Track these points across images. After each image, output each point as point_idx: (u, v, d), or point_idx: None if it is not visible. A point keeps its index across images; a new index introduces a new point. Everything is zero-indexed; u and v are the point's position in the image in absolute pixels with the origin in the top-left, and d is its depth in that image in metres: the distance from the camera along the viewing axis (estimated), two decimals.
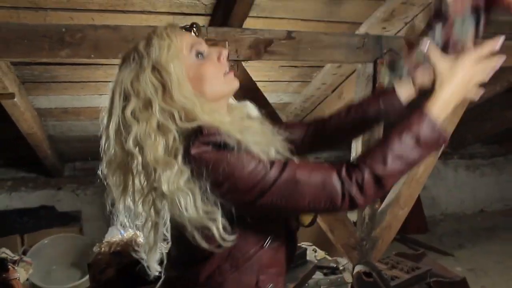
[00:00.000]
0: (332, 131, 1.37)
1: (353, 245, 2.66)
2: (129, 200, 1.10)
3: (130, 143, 1.03)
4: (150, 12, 2.37)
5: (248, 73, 2.30)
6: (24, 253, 3.90)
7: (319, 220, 2.60)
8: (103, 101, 3.37)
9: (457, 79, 1.08)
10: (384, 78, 1.20)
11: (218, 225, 1.00)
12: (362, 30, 2.77)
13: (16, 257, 2.78)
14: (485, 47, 1.15)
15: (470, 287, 3.93)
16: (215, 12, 2.40)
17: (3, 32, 1.92)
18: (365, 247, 2.69)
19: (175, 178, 0.98)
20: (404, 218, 2.81)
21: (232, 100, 1.26)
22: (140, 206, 1.08)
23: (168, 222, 1.09)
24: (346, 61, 2.56)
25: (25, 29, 1.97)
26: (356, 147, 2.61)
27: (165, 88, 1.04)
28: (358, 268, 2.63)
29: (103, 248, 2.15)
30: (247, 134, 1.04)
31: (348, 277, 2.30)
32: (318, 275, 2.32)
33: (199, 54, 1.13)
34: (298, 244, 2.45)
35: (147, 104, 1.04)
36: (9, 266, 2.45)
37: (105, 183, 1.15)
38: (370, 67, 2.50)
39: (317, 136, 1.37)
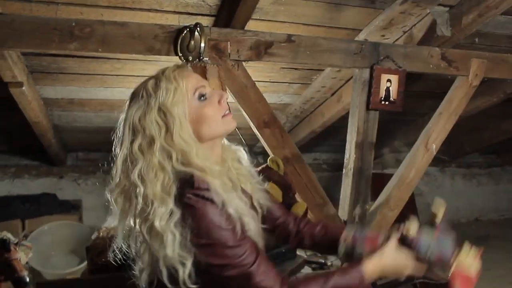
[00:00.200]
0: (303, 238, 1.51)
1: None
2: (129, 221, 1.19)
3: (135, 175, 1.13)
4: (156, 11, 2.45)
5: (247, 73, 2.38)
6: (25, 238, 3.98)
7: (310, 216, 2.69)
8: (108, 94, 3.48)
9: (399, 262, 1.29)
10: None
11: (185, 271, 1.10)
12: (361, 36, 2.85)
13: (17, 240, 2.85)
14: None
15: None
16: (219, 13, 2.48)
17: (16, 24, 2.02)
18: None
19: (167, 216, 1.10)
20: (394, 220, 2.89)
21: (227, 142, 1.39)
22: (138, 229, 1.17)
23: None
24: (344, 66, 2.65)
25: (37, 22, 2.06)
26: (350, 149, 2.70)
27: (168, 128, 1.15)
28: (346, 265, 2.72)
29: (101, 233, 2.25)
30: (231, 195, 1.16)
31: None
32: (306, 269, 2.35)
33: (201, 96, 1.23)
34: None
35: (151, 142, 1.15)
36: (11, 247, 2.52)
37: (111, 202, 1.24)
38: (366, 73, 2.59)
39: (317, 241, 1.50)
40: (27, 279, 2.49)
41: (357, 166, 2.67)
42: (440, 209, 1.42)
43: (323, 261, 2.48)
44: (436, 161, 6.58)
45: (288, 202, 2.28)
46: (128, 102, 1.23)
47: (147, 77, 1.26)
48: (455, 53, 2.78)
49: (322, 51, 2.47)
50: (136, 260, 1.21)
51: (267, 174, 2.30)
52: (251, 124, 2.47)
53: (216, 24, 2.53)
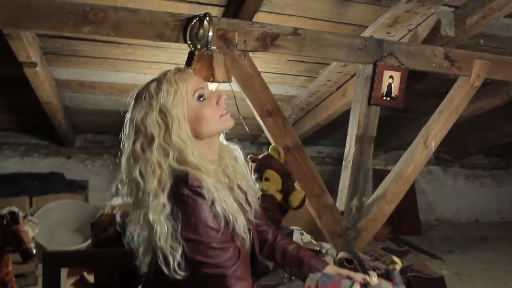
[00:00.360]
0: (275, 250, 1.61)
1: (339, 233, 2.83)
2: (136, 215, 1.28)
3: (137, 172, 1.23)
4: None
5: (253, 63, 2.46)
6: (32, 214, 4.09)
7: (308, 206, 2.77)
8: (118, 78, 3.56)
9: None
10: None
11: (175, 260, 1.20)
12: (367, 33, 2.91)
13: (25, 215, 2.95)
14: None
15: (452, 286, 4.12)
16: (229, 4, 2.55)
17: (33, 7, 2.10)
18: (350, 236, 2.85)
19: (160, 209, 1.20)
20: (390, 213, 2.96)
21: (225, 142, 1.47)
22: (141, 220, 1.26)
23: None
24: (347, 61, 2.71)
25: (53, 5, 2.14)
26: (350, 142, 2.77)
27: (167, 128, 1.25)
28: (341, 254, 2.79)
29: (106, 210, 2.34)
30: (222, 194, 1.25)
31: (330, 261, 2.43)
32: None
33: (200, 97, 1.31)
34: (286, 226, 2.64)
35: (151, 140, 1.25)
36: (20, 219, 2.63)
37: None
38: (369, 68, 2.65)
39: (287, 258, 1.60)
40: (34, 251, 2.60)
41: (356, 159, 2.74)
42: (396, 266, 1.58)
43: (318, 248, 2.55)
44: (440, 161, 6.63)
45: (287, 190, 2.35)
46: (132, 103, 1.32)
47: (150, 80, 1.35)
48: (458, 53, 2.83)
49: (327, 45, 2.53)
50: (138, 247, 1.30)
51: (268, 161, 2.38)
52: (255, 113, 2.55)
53: (225, 14, 2.60)
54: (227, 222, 1.25)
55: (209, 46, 2.23)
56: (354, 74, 3.43)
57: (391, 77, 2.63)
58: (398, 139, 5.45)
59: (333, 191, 2.93)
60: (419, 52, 2.74)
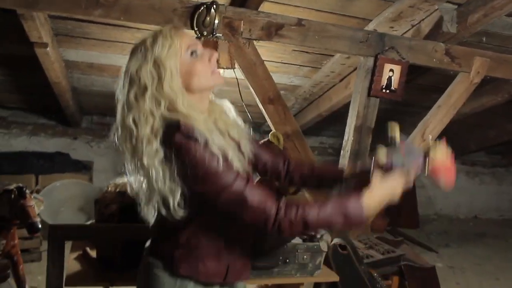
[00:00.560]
0: (293, 178, 1.64)
1: None
2: (133, 163, 1.34)
3: (130, 120, 1.29)
4: None
5: (257, 51, 2.53)
6: (37, 192, 4.19)
7: (306, 194, 2.85)
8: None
9: (387, 186, 1.38)
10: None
11: (175, 200, 1.27)
12: (371, 26, 2.96)
13: (31, 190, 3.05)
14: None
15: (446, 281, 4.20)
16: None
17: None
18: None
19: (153, 154, 1.27)
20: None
21: (214, 97, 1.51)
22: (139, 165, 1.32)
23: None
24: (349, 53, 2.77)
25: None
26: (349, 132, 2.84)
27: (160, 79, 1.30)
28: (336, 240, 2.88)
29: (109, 188, 2.43)
30: (214, 136, 1.31)
31: (324, 247, 2.50)
32: (297, 240, 2.45)
33: (193, 53, 1.37)
34: None
35: (144, 90, 1.30)
36: (27, 195, 2.72)
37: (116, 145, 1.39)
38: (371, 61, 2.72)
39: (305, 179, 1.64)
40: (39, 225, 2.69)
41: (354, 149, 2.82)
42: (395, 130, 1.48)
43: (313, 233, 2.63)
44: None
45: None
46: (128, 56, 1.38)
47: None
48: (459, 50, 2.88)
49: (329, 37, 2.60)
50: (141, 197, 1.37)
51: (268, 147, 2.46)
52: (257, 100, 2.62)
53: (232, 3, 2.66)
54: (225, 159, 1.29)
55: (214, 33, 2.31)
56: None
57: (391, 70, 2.70)
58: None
59: None
60: (420, 47, 2.80)
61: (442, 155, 1.41)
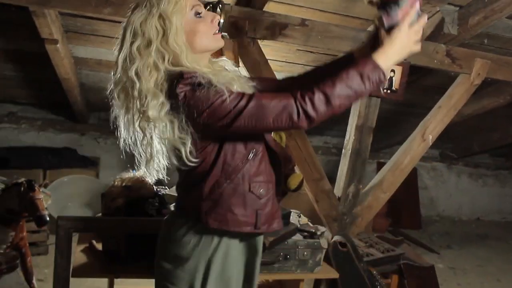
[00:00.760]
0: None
1: (335, 217, 2.97)
2: (129, 119, 1.37)
3: (133, 72, 1.30)
4: None
5: (261, 50, 2.59)
6: (45, 186, 4.26)
7: (306, 190, 2.91)
8: None
9: (397, 40, 1.33)
10: None
11: (186, 149, 1.30)
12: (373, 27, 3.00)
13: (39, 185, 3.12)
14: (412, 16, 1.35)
15: (447, 282, 4.24)
16: None
17: None
18: (345, 221, 2.99)
19: (159, 107, 1.29)
20: (385, 202, 3.09)
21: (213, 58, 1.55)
22: (136, 125, 1.35)
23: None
24: None
25: None
26: (350, 131, 2.90)
27: (164, 33, 1.32)
28: (336, 237, 2.94)
29: (116, 182, 2.49)
30: (219, 76, 1.34)
31: (324, 243, 2.55)
32: (298, 237, 2.51)
33: (197, 13, 1.41)
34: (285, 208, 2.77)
35: (148, 43, 1.32)
36: (36, 188, 2.78)
37: (111, 102, 1.42)
38: None
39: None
40: (47, 218, 2.76)
41: (355, 148, 2.87)
42: None
43: (313, 230, 2.68)
44: (444, 158, 6.71)
45: (286, 173, 2.48)
46: (130, 11, 1.40)
47: None
48: (460, 51, 2.93)
49: (332, 37, 2.65)
50: (141, 156, 1.40)
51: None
52: None
53: (237, 2, 2.73)
54: (230, 92, 1.31)
55: (220, 32, 2.36)
56: None
57: (392, 71, 2.75)
58: (403, 133, 5.51)
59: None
60: (422, 48, 2.82)
61: None
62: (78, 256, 2.35)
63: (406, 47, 1.35)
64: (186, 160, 1.32)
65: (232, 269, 1.46)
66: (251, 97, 1.29)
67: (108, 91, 1.41)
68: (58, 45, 3.06)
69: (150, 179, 1.48)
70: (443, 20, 2.86)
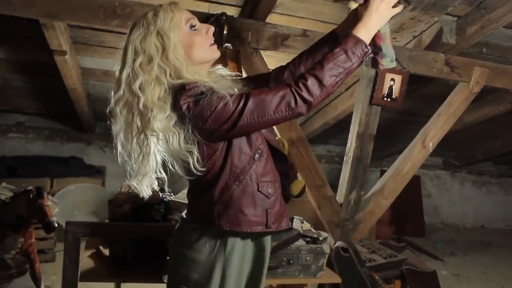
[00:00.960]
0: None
1: (337, 223, 3.01)
2: (128, 135, 1.41)
3: (137, 87, 1.36)
4: None
5: (264, 60, 2.66)
6: (52, 194, 4.33)
7: (309, 196, 2.96)
8: None
9: (374, 10, 1.42)
10: None
11: (194, 158, 1.35)
12: None
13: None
14: None
15: (451, 286, 4.25)
16: (245, 5, 2.76)
17: (69, 0, 2.34)
18: (348, 227, 3.04)
19: (165, 120, 1.35)
20: (387, 208, 3.13)
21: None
22: (135, 141, 1.40)
23: (158, 159, 1.44)
24: None
25: None
26: (351, 139, 2.95)
27: (164, 49, 1.39)
28: (339, 243, 2.98)
29: (122, 189, 2.56)
30: (219, 83, 1.41)
31: (326, 249, 2.59)
32: (300, 242, 2.55)
33: (192, 26, 1.46)
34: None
35: (150, 60, 1.38)
36: (44, 195, 2.85)
37: (110, 121, 1.47)
38: (372, 71, 2.83)
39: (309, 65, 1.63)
40: (55, 224, 2.82)
41: (357, 155, 2.93)
42: None
43: (315, 236, 2.73)
44: (448, 166, 6.73)
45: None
46: (128, 31, 1.46)
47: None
48: (459, 60, 2.99)
49: None
50: (135, 172, 1.44)
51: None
52: None
53: (241, 14, 2.81)
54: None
55: (223, 42, 2.44)
56: None
57: (392, 79, 2.81)
58: (405, 142, 5.53)
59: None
60: (421, 57, 2.91)
61: None
62: (85, 261, 2.40)
63: (384, 14, 1.44)
64: (193, 170, 1.37)
65: (246, 269, 1.52)
66: (249, 95, 1.35)
67: (108, 109, 1.46)
68: (66, 56, 3.14)
69: (141, 194, 1.50)
70: (442, 30, 2.93)
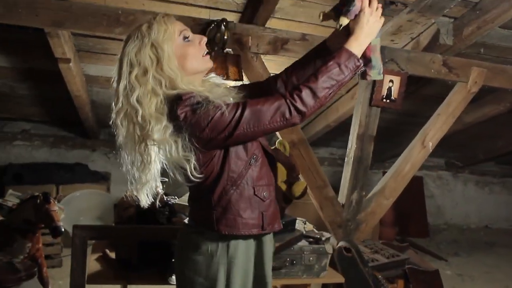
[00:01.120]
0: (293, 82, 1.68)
1: (339, 224, 3.05)
2: (129, 144, 1.46)
3: (134, 99, 1.39)
4: (191, 5, 2.81)
5: (264, 64, 2.71)
6: (58, 201, 4.37)
7: (311, 197, 3.00)
8: None
9: (365, 24, 1.46)
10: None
11: (191, 166, 1.39)
12: None
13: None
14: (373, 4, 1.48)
15: (455, 285, 4.27)
16: (244, 11, 2.82)
17: (73, 9, 2.40)
18: (350, 227, 3.08)
19: (163, 130, 1.39)
20: (388, 208, 3.17)
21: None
22: (136, 150, 1.45)
23: (158, 167, 1.49)
24: None
25: (90, 8, 2.44)
26: (352, 140, 3.00)
27: (158, 61, 1.42)
28: (341, 243, 3.01)
29: (128, 192, 2.60)
30: (214, 92, 1.45)
31: (329, 249, 2.63)
32: (303, 243, 2.60)
33: (185, 38, 1.50)
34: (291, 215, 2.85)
35: (145, 72, 1.41)
36: (51, 200, 2.90)
37: (114, 131, 1.51)
38: None
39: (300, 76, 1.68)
40: (62, 229, 2.87)
41: (357, 156, 2.97)
42: None
43: (318, 236, 2.76)
44: (450, 166, 6.75)
45: (291, 181, 2.58)
46: (123, 44, 1.48)
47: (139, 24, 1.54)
48: (456, 61, 3.03)
49: None
50: (136, 179, 1.48)
51: (274, 154, 2.61)
52: None
53: (241, 19, 2.86)
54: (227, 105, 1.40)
55: (224, 48, 2.50)
56: None
57: (391, 81, 2.85)
58: (407, 143, 5.59)
59: None
60: (418, 59, 2.96)
61: None
62: (92, 264, 2.45)
63: (373, 26, 1.48)
64: (191, 176, 1.41)
65: (251, 269, 1.56)
66: (245, 105, 1.40)
67: (110, 121, 1.50)
68: (70, 64, 3.20)
69: (141, 203, 1.54)
70: (439, 32, 2.98)
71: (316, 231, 2.82)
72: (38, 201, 2.85)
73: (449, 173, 6.87)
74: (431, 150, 3.14)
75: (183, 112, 1.38)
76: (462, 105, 3.12)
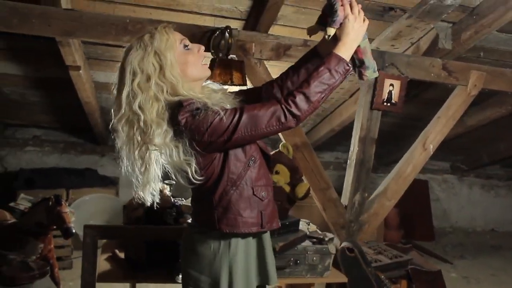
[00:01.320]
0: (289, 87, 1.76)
1: (342, 225, 3.11)
2: (130, 148, 1.52)
3: (136, 106, 1.46)
4: (196, 13, 2.90)
5: (267, 70, 2.80)
6: (69, 204, 4.46)
7: (314, 199, 3.06)
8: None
9: (350, 30, 1.55)
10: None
11: (192, 169, 1.47)
12: (373, 45, 3.20)
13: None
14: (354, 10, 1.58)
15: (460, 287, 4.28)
16: (248, 18, 2.91)
17: (83, 19, 2.50)
18: (353, 228, 3.14)
19: (163, 135, 1.45)
20: (390, 209, 3.23)
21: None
22: (136, 153, 1.51)
23: (159, 171, 1.55)
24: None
25: (99, 17, 2.54)
26: (354, 143, 3.07)
27: (161, 68, 1.50)
28: (344, 244, 3.07)
29: (136, 195, 2.68)
30: (212, 98, 1.53)
31: (332, 249, 2.68)
32: (307, 243, 2.65)
33: (185, 46, 1.58)
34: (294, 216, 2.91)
35: (148, 79, 1.48)
36: (63, 202, 2.98)
37: (114, 136, 1.58)
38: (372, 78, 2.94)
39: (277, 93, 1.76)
40: (73, 230, 2.94)
41: (359, 158, 3.04)
42: None
43: (321, 237, 2.82)
44: (455, 170, 6.76)
45: (294, 183, 2.65)
46: (124, 53, 1.56)
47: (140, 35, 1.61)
48: (456, 65, 3.10)
49: None
50: (138, 181, 1.56)
51: (278, 157, 2.69)
52: None
53: (245, 26, 2.95)
54: (225, 110, 1.47)
55: (229, 54, 2.58)
56: None
57: (391, 85, 2.92)
58: (410, 147, 5.64)
59: None
60: (418, 63, 3.03)
61: None
62: (102, 264, 2.53)
63: (358, 31, 1.57)
64: (192, 179, 1.49)
65: (253, 265, 1.65)
66: (242, 110, 1.48)
67: (110, 126, 1.56)
68: (80, 71, 3.29)
69: (146, 202, 1.62)
70: (438, 36, 3.04)
71: (320, 232, 2.88)
72: (50, 203, 2.92)
73: (455, 177, 6.88)
74: (431, 153, 3.19)
75: (184, 118, 1.45)
76: (462, 108, 3.17)
